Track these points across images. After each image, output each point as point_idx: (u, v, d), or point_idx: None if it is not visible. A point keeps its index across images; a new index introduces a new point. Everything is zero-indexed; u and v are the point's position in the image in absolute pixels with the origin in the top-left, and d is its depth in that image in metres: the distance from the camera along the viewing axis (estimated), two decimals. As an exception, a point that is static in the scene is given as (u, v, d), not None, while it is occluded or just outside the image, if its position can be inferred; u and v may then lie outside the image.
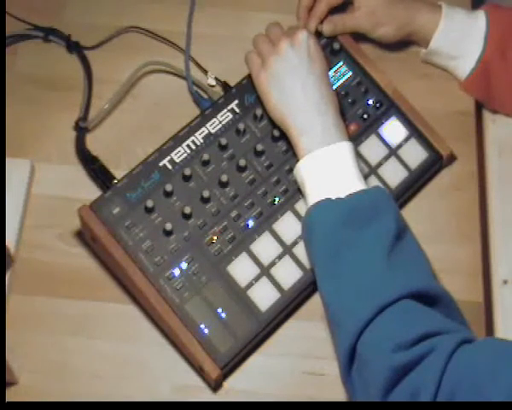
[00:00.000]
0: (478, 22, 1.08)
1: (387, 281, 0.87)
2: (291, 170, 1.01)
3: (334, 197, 0.93)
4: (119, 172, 1.02)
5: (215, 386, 0.95)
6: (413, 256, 0.92)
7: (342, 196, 0.93)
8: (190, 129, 1.03)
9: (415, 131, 1.06)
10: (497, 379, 0.77)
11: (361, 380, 0.86)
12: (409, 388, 0.81)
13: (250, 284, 0.96)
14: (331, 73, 1.08)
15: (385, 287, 0.87)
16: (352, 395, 0.88)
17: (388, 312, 0.85)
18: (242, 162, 1.01)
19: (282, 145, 1.02)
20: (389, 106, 1.07)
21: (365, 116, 1.06)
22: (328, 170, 0.96)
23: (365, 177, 1.02)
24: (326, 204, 0.93)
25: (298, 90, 0.99)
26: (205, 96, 1.09)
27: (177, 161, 1.01)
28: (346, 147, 0.97)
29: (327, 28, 1.09)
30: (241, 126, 1.03)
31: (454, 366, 0.80)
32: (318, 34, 1.10)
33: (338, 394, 0.92)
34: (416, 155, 1.05)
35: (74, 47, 1.13)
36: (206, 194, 0.99)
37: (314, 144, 0.96)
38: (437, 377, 0.79)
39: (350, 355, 0.86)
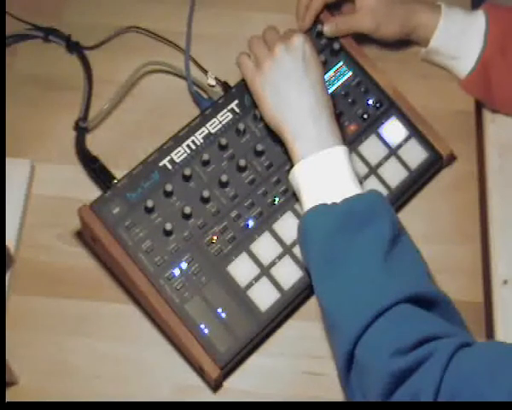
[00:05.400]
0: (477, 21, 1.08)
1: (384, 286, 0.87)
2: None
3: (329, 202, 0.93)
4: (119, 172, 1.02)
5: (215, 386, 0.95)
6: (410, 260, 0.91)
7: (337, 200, 0.93)
8: (190, 129, 1.03)
9: (415, 131, 1.06)
10: (497, 382, 0.77)
11: (360, 385, 0.86)
12: (408, 393, 0.81)
13: (250, 284, 0.96)
14: (331, 72, 1.08)
15: (382, 292, 0.86)
16: (351, 399, 0.88)
17: (386, 317, 0.85)
18: (242, 162, 1.01)
19: (282, 145, 1.02)
20: (389, 106, 1.07)
21: (365, 116, 1.06)
22: (323, 175, 0.95)
23: (365, 177, 1.02)
24: (321, 209, 0.93)
25: (293, 95, 0.98)
26: (205, 96, 1.09)
27: (177, 161, 1.01)
28: (340, 151, 0.96)
29: (328, 29, 1.09)
30: (241, 126, 1.03)
31: (453, 370, 0.79)
32: (319, 35, 1.10)
33: (338, 394, 0.92)
34: (416, 155, 1.05)
35: (74, 47, 1.13)
36: (206, 194, 0.99)
37: (309, 149, 0.96)
38: (436, 382, 0.79)
39: (348, 361, 0.86)
